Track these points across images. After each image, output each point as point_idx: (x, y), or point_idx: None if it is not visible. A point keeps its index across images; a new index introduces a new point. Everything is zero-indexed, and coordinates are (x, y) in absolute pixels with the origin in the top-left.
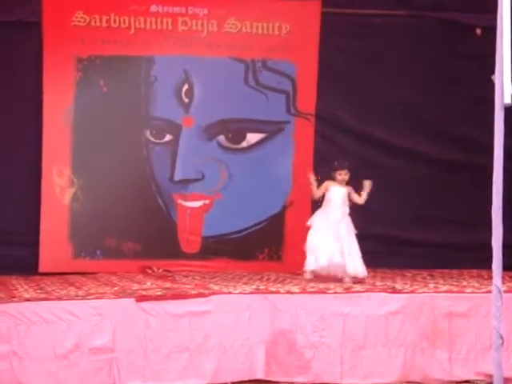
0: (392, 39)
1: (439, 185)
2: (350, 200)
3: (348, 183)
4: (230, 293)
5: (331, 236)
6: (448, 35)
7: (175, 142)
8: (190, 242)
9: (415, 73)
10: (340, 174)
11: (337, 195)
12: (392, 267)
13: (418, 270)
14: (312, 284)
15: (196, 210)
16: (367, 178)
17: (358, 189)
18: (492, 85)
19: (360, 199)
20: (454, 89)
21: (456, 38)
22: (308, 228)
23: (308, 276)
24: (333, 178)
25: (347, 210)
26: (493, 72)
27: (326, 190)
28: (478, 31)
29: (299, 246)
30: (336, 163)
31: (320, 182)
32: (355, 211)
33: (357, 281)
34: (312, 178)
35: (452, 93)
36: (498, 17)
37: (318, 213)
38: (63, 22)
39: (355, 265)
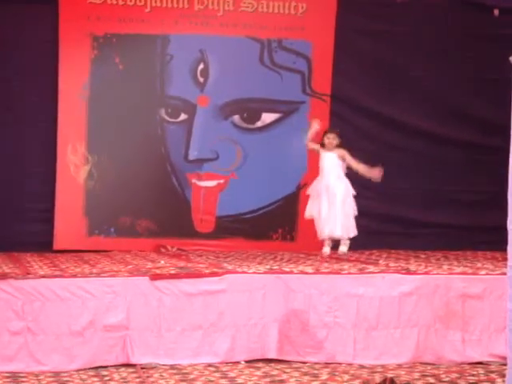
0: (409, 19)
1: (454, 166)
2: (345, 161)
3: (340, 146)
4: (243, 272)
5: (325, 204)
6: (466, 16)
7: (190, 122)
8: (204, 221)
9: (432, 53)
10: (328, 138)
11: (327, 162)
12: (406, 248)
13: (431, 251)
14: (326, 264)
15: (210, 190)
16: (382, 159)
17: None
18: (510, 66)
19: (354, 163)
20: (471, 70)
21: (474, 19)
22: (307, 197)
23: (325, 250)
24: (322, 144)
25: (342, 173)
26: (511, 53)
27: (318, 154)
28: (496, 12)
29: (313, 226)
30: (326, 128)
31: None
32: (369, 192)
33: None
34: (315, 124)
35: (469, 74)
36: None
37: (315, 182)
38: (79, 0)
39: (346, 227)
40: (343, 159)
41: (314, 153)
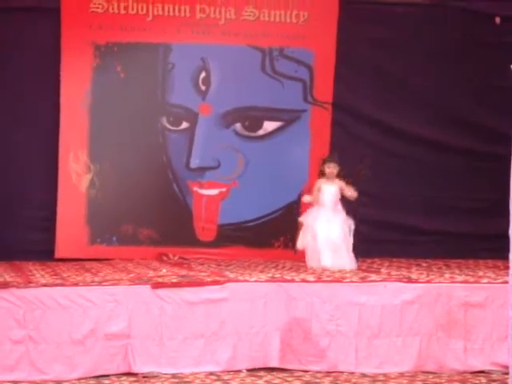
0: (410, 27)
1: (455, 173)
2: (342, 196)
3: (340, 177)
4: (245, 280)
5: (320, 236)
6: (467, 23)
7: (192, 130)
8: (205, 229)
9: (433, 61)
10: (329, 167)
11: (327, 195)
12: (407, 257)
13: (433, 259)
14: (327, 273)
15: (212, 198)
16: (383, 167)
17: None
18: (511, 74)
19: (352, 194)
20: (472, 77)
21: (475, 27)
22: (300, 224)
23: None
24: (322, 172)
25: (340, 207)
26: None
27: (319, 190)
28: (498, 20)
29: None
30: (326, 156)
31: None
32: (371, 200)
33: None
34: (306, 198)
35: (470, 81)
36: None
37: (311, 212)
38: (81, 9)
39: (345, 262)
40: (342, 191)
41: (315, 161)
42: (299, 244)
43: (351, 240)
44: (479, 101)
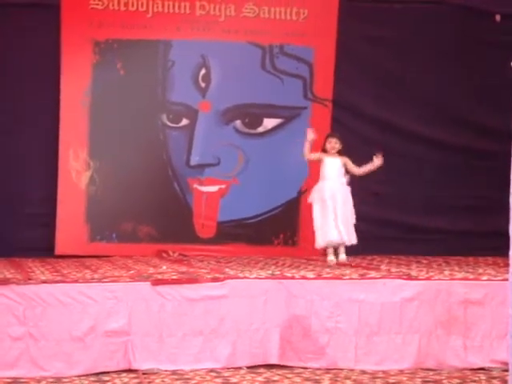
0: (410, 25)
1: (455, 171)
2: (348, 171)
3: (341, 153)
4: (245, 277)
5: (328, 211)
6: (467, 21)
7: (192, 127)
8: (205, 226)
9: (433, 59)
10: (329, 143)
11: (330, 168)
12: (407, 254)
13: (433, 256)
14: (327, 270)
15: (212, 195)
16: (383, 164)
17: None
18: (511, 71)
19: (357, 170)
20: (472, 76)
21: (475, 25)
22: (310, 205)
23: (332, 259)
24: (324, 150)
25: (344, 180)
26: None
27: (320, 161)
28: (498, 18)
29: (314, 231)
30: (328, 133)
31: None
32: (371, 198)
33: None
34: (310, 134)
35: (470, 80)
36: None
37: (315, 188)
38: (81, 5)
39: (347, 234)
40: (346, 167)
41: None
42: (316, 223)
43: (354, 214)
44: (479, 99)
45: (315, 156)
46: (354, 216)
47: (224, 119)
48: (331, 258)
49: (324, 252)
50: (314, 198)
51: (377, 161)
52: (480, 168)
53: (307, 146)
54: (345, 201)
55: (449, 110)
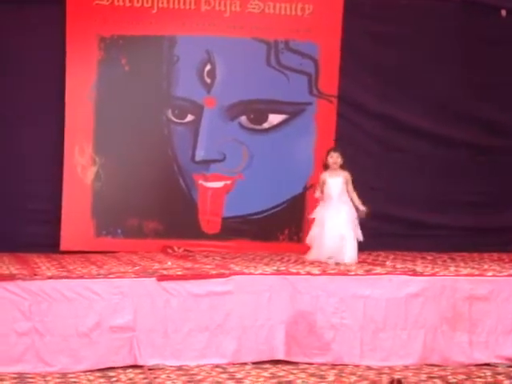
0: (415, 21)
1: (461, 167)
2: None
3: (343, 168)
4: (250, 273)
5: (331, 229)
6: (472, 17)
7: (197, 123)
8: (210, 222)
9: (439, 55)
10: (331, 157)
11: (333, 188)
12: (412, 250)
13: (438, 252)
14: (332, 266)
15: (217, 191)
16: (388, 160)
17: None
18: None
19: (351, 192)
20: (476, 71)
21: (480, 20)
22: (312, 221)
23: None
24: (326, 165)
25: (346, 198)
26: None
27: (324, 183)
28: (503, 13)
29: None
30: (329, 148)
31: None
32: (376, 194)
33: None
34: (317, 195)
35: (474, 75)
36: None
37: (319, 207)
38: (86, 1)
39: (349, 253)
40: (347, 183)
41: (320, 154)
42: (308, 240)
43: (358, 231)
44: (483, 95)
45: (322, 185)
46: (353, 234)
47: (229, 115)
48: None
49: None
50: (316, 217)
51: (361, 212)
52: (485, 164)
53: (316, 195)
54: (346, 219)
55: (453, 106)
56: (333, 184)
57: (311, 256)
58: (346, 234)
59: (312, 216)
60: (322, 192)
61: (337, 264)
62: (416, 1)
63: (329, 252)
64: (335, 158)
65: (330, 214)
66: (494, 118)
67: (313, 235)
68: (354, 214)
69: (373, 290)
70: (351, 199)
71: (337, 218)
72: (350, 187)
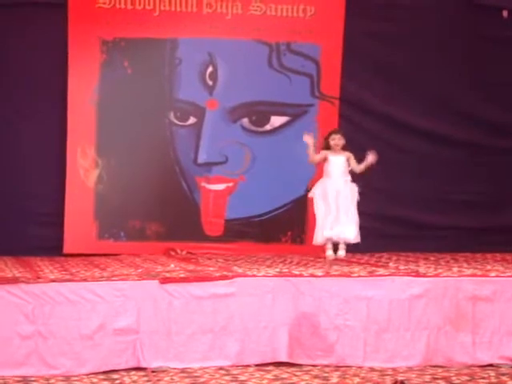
0: (417, 22)
1: (463, 168)
2: (349, 166)
3: (345, 149)
4: (253, 275)
5: (330, 207)
6: (474, 17)
7: (199, 125)
8: (213, 224)
9: (441, 55)
10: (333, 139)
11: (335, 165)
12: (415, 251)
13: (441, 253)
14: (336, 267)
15: (219, 193)
16: (390, 161)
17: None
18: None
19: (357, 167)
20: (478, 71)
21: (482, 20)
22: (310, 199)
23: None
24: (328, 146)
25: (349, 177)
26: None
27: (325, 160)
28: (505, 13)
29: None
30: (330, 130)
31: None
32: (378, 194)
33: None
34: (309, 139)
35: (476, 76)
36: None
37: (318, 184)
38: (88, 4)
39: (350, 232)
40: (349, 163)
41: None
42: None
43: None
44: (484, 95)
45: (320, 156)
46: (356, 214)
47: (231, 117)
48: (329, 252)
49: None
50: (315, 193)
51: (371, 157)
52: (488, 164)
53: (310, 151)
54: (347, 199)
55: (455, 106)
56: (335, 161)
57: (317, 239)
58: (349, 211)
59: (310, 195)
60: (312, 158)
61: (337, 245)
62: (418, 1)
63: (328, 234)
64: (337, 140)
65: (329, 192)
66: (496, 118)
67: (317, 215)
68: (356, 194)
69: (376, 291)
70: (361, 170)
71: (336, 198)
72: (355, 164)
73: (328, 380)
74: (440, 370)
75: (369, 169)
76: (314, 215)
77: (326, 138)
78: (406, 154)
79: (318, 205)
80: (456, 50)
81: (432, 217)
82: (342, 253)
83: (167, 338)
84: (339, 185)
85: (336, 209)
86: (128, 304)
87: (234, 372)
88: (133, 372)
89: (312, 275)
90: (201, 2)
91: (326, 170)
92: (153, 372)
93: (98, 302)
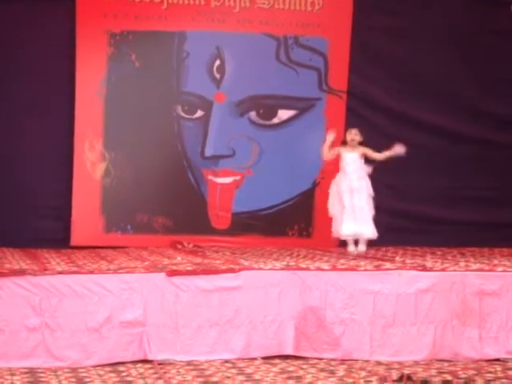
0: (425, 16)
1: (471, 162)
2: (369, 159)
3: (362, 143)
4: (260, 269)
5: (344, 204)
6: (482, 12)
7: (206, 118)
8: (220, 217)
9: (448, 50)
10: (350, 133)
11: (349, 162)
12: (422, 245)
13: (448, 248)
14: (342, 261)
15: (226, 186)
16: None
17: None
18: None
19: (378, 155)
20: (487, 66)
21: (490, 15)
22: (325, 196)
23: (352, 249)
24: (344, 142)
25: (363, 173)
26: None
27: (339, 156)
28: None
29: (329, 222)
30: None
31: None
32: (385, 189)
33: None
34: (330, 137)
35: (484, 70)
36: None
37: (334, 181)
38: None
39: (368, 229)
40: (365, 157)
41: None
42: (330, 211)
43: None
44: (493, 90)
45: (333, 153)
46: (371, 209)
47: (239, 110)
48: (351, 248)
49: (338, 243)
50: (332, 191)
51: (398, 148)
52: (496, 159)
53: (326, 147)
54: (363, 194)
55: (464, 100)
56: (349, 158)
57: (335, 233)
58: (364, 207)
59: (330, 191)
60: (326, 154)
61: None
62: None
63: (351, 228)
64: (353, 135)
65: (344, 189)
66: (505, 113)
67: (334, 210)
68: (370, 189)
69: (382, 285)
70: (384, 158)
71: (353, 193)
72: (373, 154)
73: (334, 373)
74: (446, 364)
75: (390, 160)
76: (323, 209)
77: (344, 133)
78: (413, 148)
79: (333, 201)
80: (465, 45)
81: (440, 211)
82: (362, 248)
83: (174, 330)
84: (354, 181)
85: (350, 206)
86: (135, 297)
87: (241, 365)
88: (139, 364)
89: (319, 269)
90: None
91: (340, 166)
92: (159, 364)
93: (104, 295)
